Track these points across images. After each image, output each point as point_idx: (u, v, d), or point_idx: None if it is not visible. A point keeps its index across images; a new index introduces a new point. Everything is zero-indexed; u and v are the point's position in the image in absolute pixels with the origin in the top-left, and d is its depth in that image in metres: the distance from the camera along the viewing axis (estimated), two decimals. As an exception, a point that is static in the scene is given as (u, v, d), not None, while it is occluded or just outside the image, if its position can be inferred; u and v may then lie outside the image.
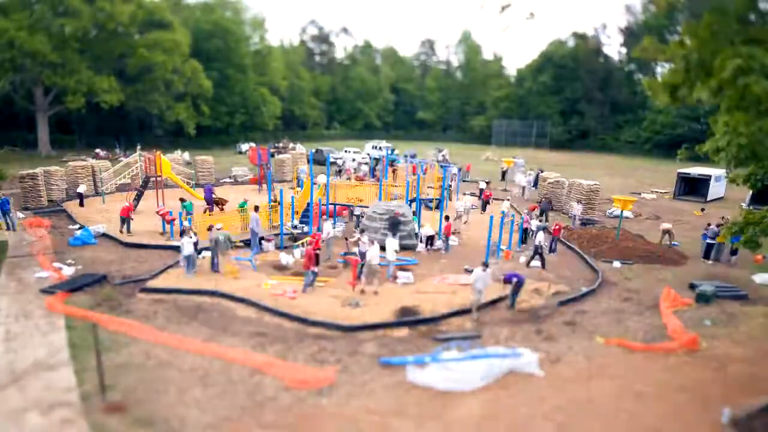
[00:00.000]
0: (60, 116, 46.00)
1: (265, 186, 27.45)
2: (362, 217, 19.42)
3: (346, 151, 44.94)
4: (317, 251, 14.05)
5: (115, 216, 20.29)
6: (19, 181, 22.49)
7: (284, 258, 15.99)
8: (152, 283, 13.67)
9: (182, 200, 20.10)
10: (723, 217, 20.17)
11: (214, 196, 22.53)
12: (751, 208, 17.96)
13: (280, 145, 50.92)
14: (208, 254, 15.27)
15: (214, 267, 14.92)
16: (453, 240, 18.94)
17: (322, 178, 21.75)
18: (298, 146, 49.18)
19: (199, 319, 11.67)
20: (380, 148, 45.55)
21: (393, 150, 44.49)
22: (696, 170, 31.48)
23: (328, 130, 79.11)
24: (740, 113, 7.70)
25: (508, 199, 25.39)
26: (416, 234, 18.17)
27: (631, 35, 65.26)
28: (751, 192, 25.23)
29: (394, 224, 17.04)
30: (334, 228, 17.65)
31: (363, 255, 13.87)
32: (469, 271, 14.71)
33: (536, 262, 16.59)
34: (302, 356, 10.08)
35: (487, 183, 33.42)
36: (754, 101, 6.96)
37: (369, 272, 13.50)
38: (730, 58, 6.54)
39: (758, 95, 6.57)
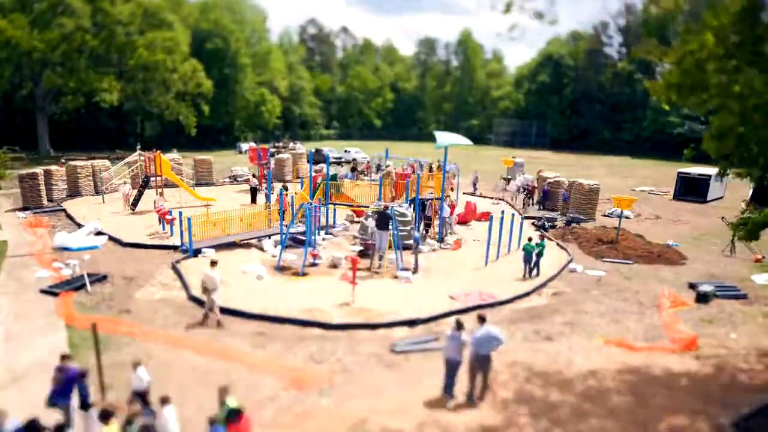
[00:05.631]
0: (59, 116, 45.95)
1: (264, 185, 27.41)
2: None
3: (346, 151, 44.88)
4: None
5: (111, 217, 20.38)
6: (19, 181, 22.49)
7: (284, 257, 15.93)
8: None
9: None
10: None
11: None
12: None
13: (281, 144, 50.91)
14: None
15: None
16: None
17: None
18: (299, 145, 49.18)
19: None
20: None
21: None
22: (696, 170, 31.48)
23: (327, 129, 79.11)
24: (742, 123, 7.68)
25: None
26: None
27: (629, 33, 65.28)
28: (751, 191, 25.25)
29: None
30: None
31: None
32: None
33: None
34: (302, 356, 10.09)
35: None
36: (750, 108, 6.96)
37: None
38: (730, 59, 6.56)
39: (756, 101, 6.58)
